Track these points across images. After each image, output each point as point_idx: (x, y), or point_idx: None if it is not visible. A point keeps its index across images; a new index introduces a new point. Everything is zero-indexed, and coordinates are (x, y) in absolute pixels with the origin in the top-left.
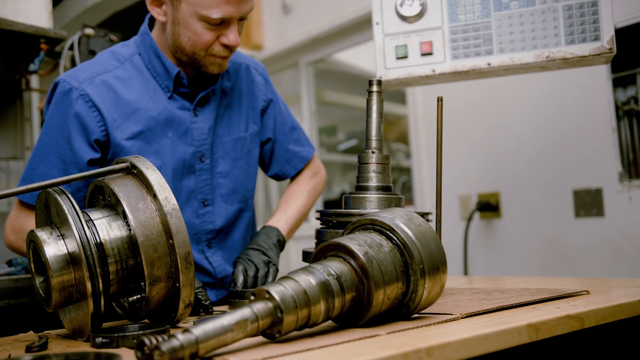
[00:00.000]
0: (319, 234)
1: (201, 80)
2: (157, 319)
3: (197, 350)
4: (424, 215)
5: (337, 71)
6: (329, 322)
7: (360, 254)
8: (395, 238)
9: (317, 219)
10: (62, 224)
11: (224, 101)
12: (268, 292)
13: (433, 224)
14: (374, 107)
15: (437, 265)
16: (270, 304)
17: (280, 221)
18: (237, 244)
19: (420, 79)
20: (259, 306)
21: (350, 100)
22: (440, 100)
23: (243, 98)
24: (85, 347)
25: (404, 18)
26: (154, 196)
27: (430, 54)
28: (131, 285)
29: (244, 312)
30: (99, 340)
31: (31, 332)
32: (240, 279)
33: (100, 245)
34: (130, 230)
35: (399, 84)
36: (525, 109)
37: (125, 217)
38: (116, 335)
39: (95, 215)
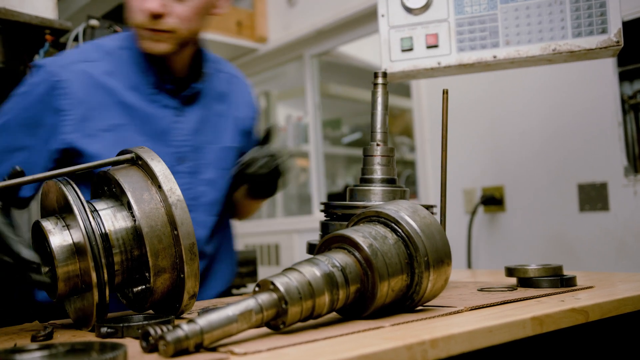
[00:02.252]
0: (324, 226)
1: (190, 81)
2: (162, 310)
3: (202, 341)
4: (428, 207)
5: (341, 64)
6: (333, 314)
7: (364, 245)
8: (400, 230)
9: (322, 211)
10: (68, 214)
11: (216, 107)
12: (272, 283)
13: (437, 217)
14: (379, 100)
15: (442, 257)
16: (274, 295)
17: None
18: (218, 256)
19: (426, 72)
20: (264, 297)
21: (354, 93)
22: (445, 92)
23: (232, 109)
24: (90, 337)
25: (409, 10)
26: (159, 187)
27: (435, 46)
28: (136, 276)
29: (248, 303)
30: (104, 330)
31: (36, 321)
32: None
33: (105, 236)
34: (135, 221)
35: (404, 76)
36: (531, 102)
37: (130, 207)
38: (121, 325)
39: (100, 205)
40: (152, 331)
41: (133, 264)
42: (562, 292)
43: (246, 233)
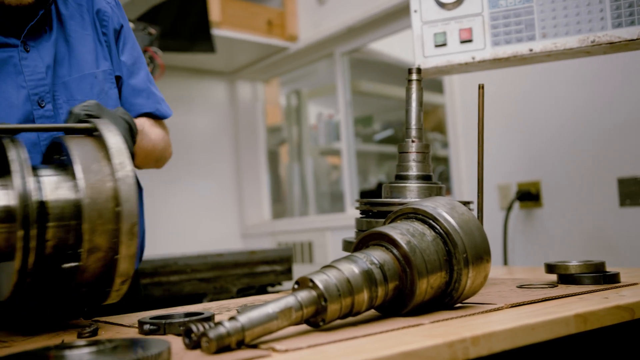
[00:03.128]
0: (360, 223)
1: (37, 7)
2: (91, 292)
3: (244, 338)
4: (465, 204)
5: (372, 61)
6: (372, 311)
7: (403, 242)
8: (438, 227)
9: (357, 208)
10: (7, 174)
11: (64, 34)
12: (312, 280)
13: (475, 214)
14: (414, 96)
15: (481, 254)
16: (314, 293)
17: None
18: None
19: (460, 67)
20: (303, 295)
21: (385, 90)
22: (481, 87)
23: (88, 27)
24: (133, 334)
25: (442, 5)
26: (109, 160)
27: (469, 41)
28: (68, 251)
29: (288, 301)
30: (146, 327)
31: (81, 318)
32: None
33: (42, 203)
34: (78, 192)
35: (438, 72)
36: (567, 94)
37: (76, 178)
38: (163, 322)
39: (45, 172)
40: (194, 328)
41: (67, 237)
42: (606, 289)
43: (279, 231)
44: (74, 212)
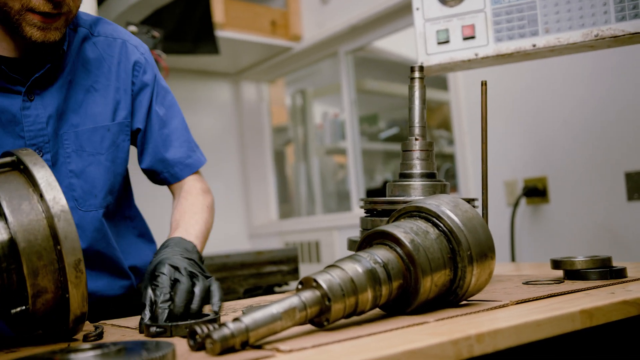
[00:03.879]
0: (364, 222)
1: (41, 56)
2: (49, 331)
3: (248, 339)
4: (470, 201)
5: (377, 59)
6: (377, 310)
7: (406, 241)
8: (441, 225)
9: (362, 207)
10: None
11: (84, 81)
12: (315, 280)
13: (479, 211)
14: (417, 94)
15: (485, 251)
16: (317, 292)
17: (190, 236)
18: (100, 256)
19: (463, 64)
20: (307, 295)
21: (390, 88)
22: (484, 84)
23: (112, 78)
24: (139, 337)
25: (444, 2)
26: (41, 196)
27: (472, 37)
28: (14, 296)
29: (292, 301)
30: (153, 329)
31: (87, 321)
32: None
33: None
34: (11, 234)
35: (441, 69)
36: (572, 90)
37: (6, 219)
38: (169, 324)
39: None
40: (199, 330)
41: (9, 282)
42: (612, 284)
43: (286, 231)
44: (11, 254)
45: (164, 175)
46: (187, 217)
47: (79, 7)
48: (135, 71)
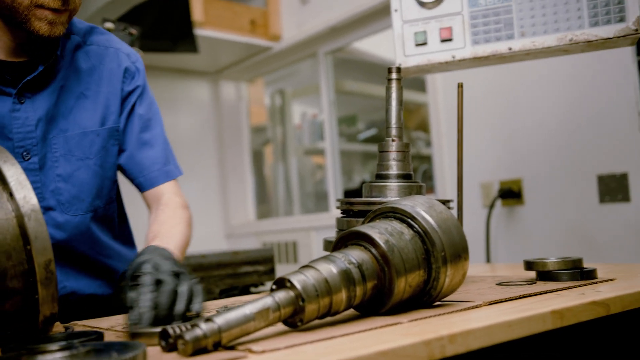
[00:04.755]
0: (340, 223)
1: (34, 59)
2: (18, 332)
3: (220, 339)
4: (445, 202)
5: (356, 60)
6: (351, 311)
7: (381, 242)
8: (416, 226)
9: (338, 207)
10: None
11: (75, 87)
12: (289, 280)
13: (454, 212)
14: (394, 95)
15: (459, 252)
16: (291, 293)
17: (170, 247)
18: (86, 260)
19: (440, 66)
20: (281, 295)
21: (370, 89)
22: (460, 86)
23: (103, 84)
24: (111, 337)
25: (422, 4)
26: (10, 195)
27: (450, 40)
28: None
29: (265, 301)
30: (139, 331)
31: (58, 322)
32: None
33: None
34: None
35: (419, 71)
36: (547, 94)
37: None
38: (155, 331)
39: None
40: (170, 331)
41: None
42: (583, 285)
43: (263, 231)
44: None
45: (139, 180)
46: (166, 228)
47: (80, 4)
48: (125, 78)
